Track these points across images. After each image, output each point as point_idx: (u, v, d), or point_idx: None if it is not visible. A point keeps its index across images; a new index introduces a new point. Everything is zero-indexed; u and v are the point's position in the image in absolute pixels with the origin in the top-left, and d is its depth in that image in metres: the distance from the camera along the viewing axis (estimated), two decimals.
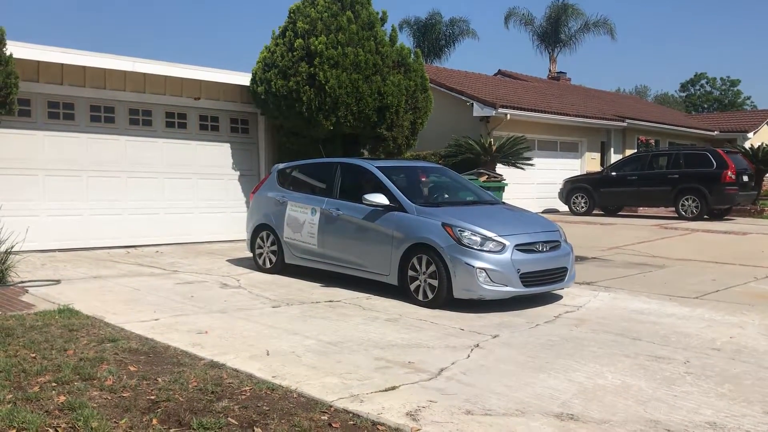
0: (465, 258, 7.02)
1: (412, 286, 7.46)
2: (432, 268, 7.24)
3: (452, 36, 40.01)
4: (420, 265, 7.39)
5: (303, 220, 8.84)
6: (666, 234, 13.88)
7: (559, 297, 7.84)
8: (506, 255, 7.08)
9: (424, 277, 7.33)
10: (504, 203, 9.06)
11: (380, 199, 7.87)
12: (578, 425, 3.92)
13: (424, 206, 7.82)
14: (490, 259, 7.02)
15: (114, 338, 5.54)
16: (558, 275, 7.52)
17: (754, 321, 6.72)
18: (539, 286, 7.36)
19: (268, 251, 9.45)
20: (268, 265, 9.43)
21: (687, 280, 9.09)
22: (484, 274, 6.96)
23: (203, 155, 12.98)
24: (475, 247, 7.08)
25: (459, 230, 7.19)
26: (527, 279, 7.15)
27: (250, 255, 9.85)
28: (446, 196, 9.07)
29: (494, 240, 7.15)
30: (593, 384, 4.70)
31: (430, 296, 7.26)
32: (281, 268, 9.27)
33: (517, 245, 7.19)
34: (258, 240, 9.61)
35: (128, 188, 11.99)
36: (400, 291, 7.65)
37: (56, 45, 10.92)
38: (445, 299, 7.13)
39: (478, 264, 6.97)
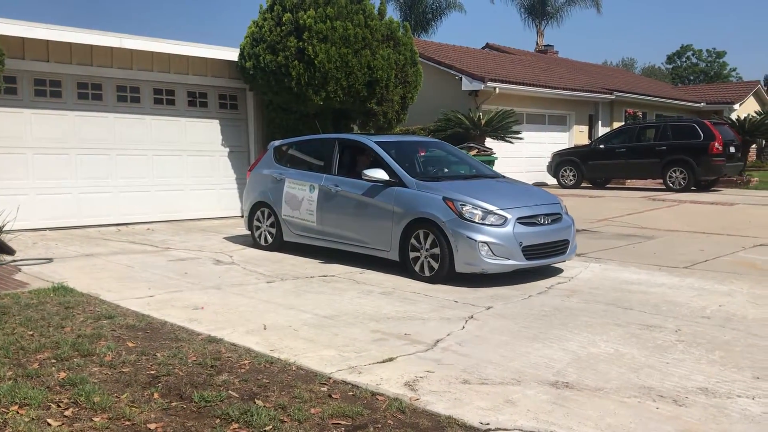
0: (467, 232, 7.00)
1: (414, 262, 7.43)
2: (433, 242, 7.22)
3: (439, 9, 39.75)
4: (421, 240, 7.36)
5: (301, 197, 8.78)
6: (654, 205, 14.00)
7: (559, 270, 7.83)
8: (508, 228, 7.06)
9: (426, 252, 7.31)
10: (504, 177, 8.96)
11: (380, 174, 7.83)
12: (573, 393, 4.00)
13: (424, 181, 7.76)
14: (492, 232, 7.01)
15: (110, 315, 5.57)
16: (560, 248, 7.51)
17: (742, 289, 6.83)
18: (542, 259, 7.33)
19: (267, 229, 9.37)
20: (266, 243, 9.36)
21: (676, 250, 9.19)
22: (486, 247, 6.95)
23: (192, 132, 12.89)
24: (477, 221, 7.05)
25: (460, 204, 7.16)
26: (529, 252, 7.14)
27: (242, 231, 9.86)
28: (446, 170, 9.01)
29: (496, 213, 7.12)
30: (587, 353, 4.78)
31: (432, 271, 7.23)
32: (280, 245, 9.20)
33: (518, 218, 7.17)
34: (256, 218, 9.52)
35: (117, 166, 11.92)
36: (402, 266, 7.62)
37: (41, 21, 10.79)
38: (447, 274, 7.11)
39: (480, 238, 6.96)
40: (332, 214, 8.43)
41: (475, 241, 6.95)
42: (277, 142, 9.88)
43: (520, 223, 7.16)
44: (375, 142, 8.43)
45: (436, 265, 7.21)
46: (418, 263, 7.40)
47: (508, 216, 7.14)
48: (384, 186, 7.85)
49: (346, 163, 8.66)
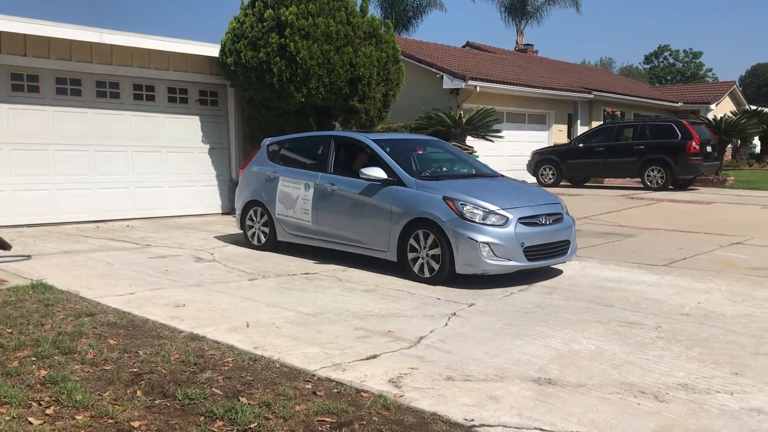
0: (468, 232, 6.87)
1: (412, 263, 7.27)
2: (433, 243, 7.08)
3: (420, 7, 39.79)
4: (420, 241, 7.23)
5: (296, 196, 8.61)
6: (633, 204, 14.14)
7: (541, 268, 7.68)
8: (510, 228, 6.94)
9: (425, 253, 7.17)
10: (503, 176, 8.74)
11: (378, 173, 7.67)
12: (556, 389, 4.03)
13: (423, 180, 7.61)
14: (494, 233, 6.88)
15: (91, 312, 5.51)
16: (561, 248, 7.42)
17: (720, 287, 6.93)
18: (543, 260, 7.22)
19: (260, 228, 9.17)
20: (259, 243, 9.17)
21: (655, 248, 9.29)
22: (487, 248, 6.82)
23: (172, 128, 12.78)
24: (478, 221, 6.91)
25: (461, 204, 7.02)
26: (531, 252, 7.01)
27: (222, 229, 9.81)
28: (444, 169, 8.89)
29: (497, 213, 6.99)
30: (568, 349, 4.82)
31: (432, 272, 7.08)
32: (274, 245, 8.99)
33: (520, 218, 7.04)
34: (248, 217, 9.30)
35: (96, 162, 11.79)
36: (400, 267, 7.47)
37: (20, 15, 10.63)
38: (447, 275, 6.97)
39: (481, 238, 6.83)
40: (328, 214, 8.25)
41: (477, 241, 6.81)
42: (270, 140, 9.64)
43: (521, 223, 7.04)
44: (372, 139, 8.27)
45: (435, 266, 7.05)
46: (417, 264, 7.25)
47: (510, 216, 7.01)
48: (382, 185, 7.68)
49: (342, 162, 8.47)
